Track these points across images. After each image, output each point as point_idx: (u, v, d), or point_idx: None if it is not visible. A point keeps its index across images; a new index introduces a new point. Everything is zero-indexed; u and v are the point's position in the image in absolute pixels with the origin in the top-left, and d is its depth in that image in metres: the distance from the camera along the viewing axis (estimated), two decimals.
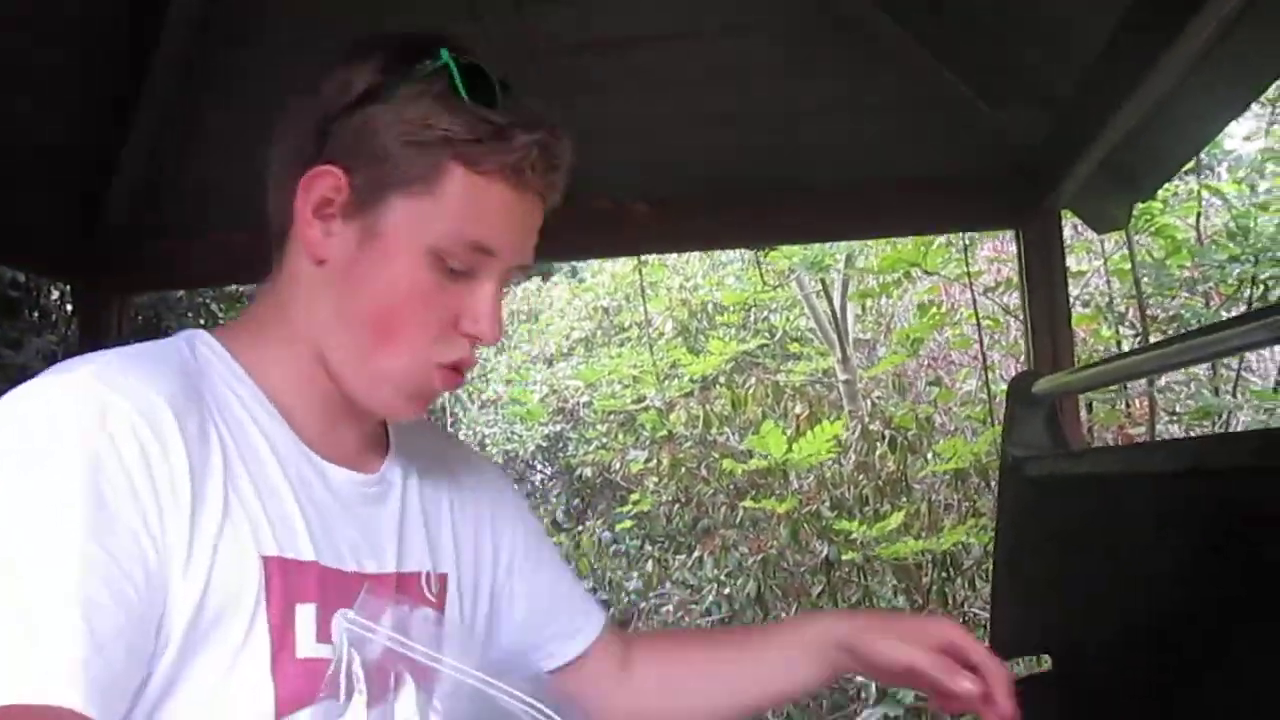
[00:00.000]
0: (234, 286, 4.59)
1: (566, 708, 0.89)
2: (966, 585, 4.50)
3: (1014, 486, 1.51)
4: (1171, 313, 3.94)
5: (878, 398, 5.50)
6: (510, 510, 1.14)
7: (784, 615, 4.75)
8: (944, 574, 4.33)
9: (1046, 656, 1.63)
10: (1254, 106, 4.48)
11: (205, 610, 0.78)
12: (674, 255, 7.63)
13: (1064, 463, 1.34)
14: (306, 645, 0.83)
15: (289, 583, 0.83)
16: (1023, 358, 4.69)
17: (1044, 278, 2.52)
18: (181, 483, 0.78)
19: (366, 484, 0.96)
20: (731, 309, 6.03)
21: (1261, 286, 3.55)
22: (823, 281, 4.96)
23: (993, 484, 4.40)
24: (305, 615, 0.84)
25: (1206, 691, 1.14)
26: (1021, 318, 3.08)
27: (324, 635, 0.84)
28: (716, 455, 4.95)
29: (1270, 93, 4.36)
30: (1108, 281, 4.29)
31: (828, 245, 4.41)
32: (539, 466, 8.39)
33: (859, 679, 4.08)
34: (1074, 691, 1.48)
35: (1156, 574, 1.24)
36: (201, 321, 4.47)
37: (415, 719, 0.83)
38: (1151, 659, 1.29)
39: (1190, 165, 4.05)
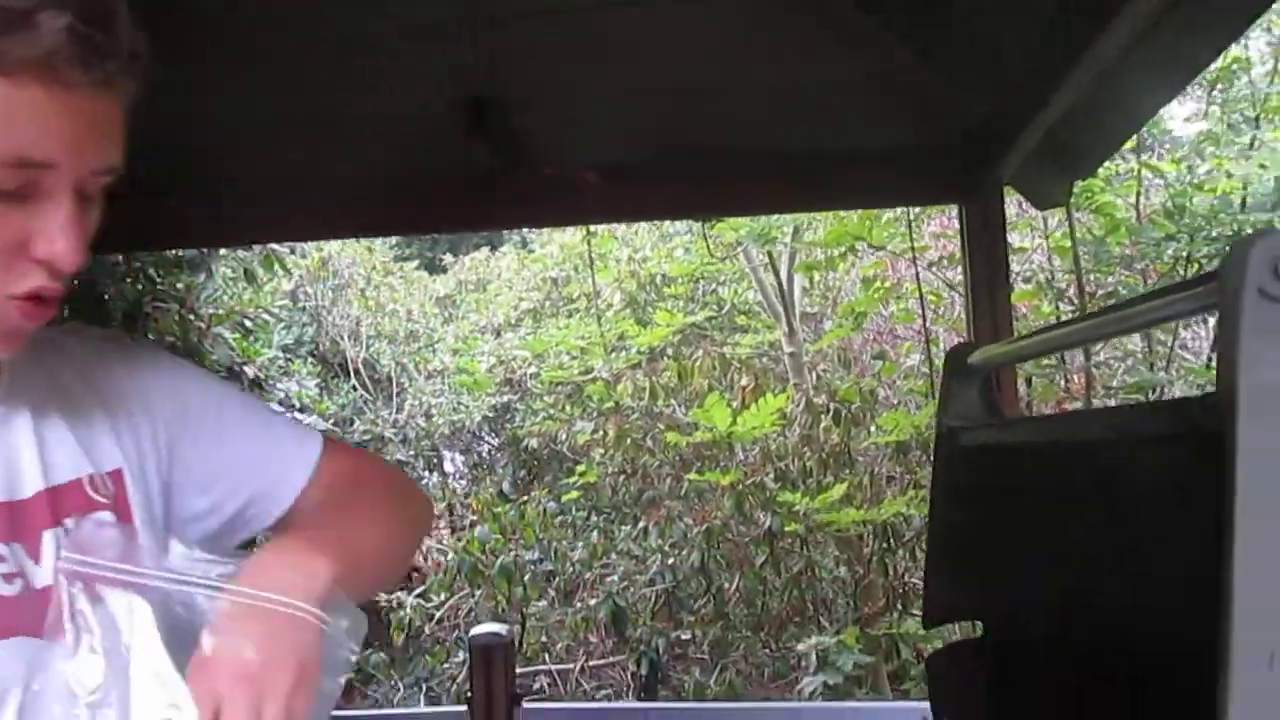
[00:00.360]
0: (174, 251, 4.50)
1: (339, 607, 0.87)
2: (907, 556, 4.58)
3: (948, 455, 1.54)
4: (1109, 289, 4.02)
5: (823, 371, 5.56)
6: (166, 384, 1.05)
7: (728, 585, 4.80)
8: (885, 545, 4.40)
9: (979, 624, 1.67)
10: (1197, 90, 4.57)
11: None
12: (623, 227, 7.62)
13: (996, 432, 1.37)
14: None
15: None
16: (965, 332, 4.76)
17: (985, 252, 2.56)
18: None
19: None
20: (680, 280, 6.04)
21: (1196, 264, 3.63)
22: (770, 254, 4.98)
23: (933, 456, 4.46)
24: None
25: (1136, 656, 1.18)
26: (963, 293, 3.13)
27: None
28: (662, 427, 4.98)
29: (1211, 74, 4.44)
30: (1049, 258, 4.36)
31: (775, 217, 4.43)
32: (486, 437, 8.37)
33: (800, 647, 4.14)
34: (1005, 657, 1.51)
35: (1085, 541, 1.28)
36: (139, 288, 4.39)
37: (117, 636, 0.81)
38: (1081, 625, 1.33)
39: (1131, 145, 4.12)
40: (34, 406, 0.91)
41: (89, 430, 0.95)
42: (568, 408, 6.32)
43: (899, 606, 4.63)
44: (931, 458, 1.64)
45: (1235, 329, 0.78)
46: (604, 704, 4.57)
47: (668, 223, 7.46)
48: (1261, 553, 0.75)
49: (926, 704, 1.55)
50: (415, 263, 10.63)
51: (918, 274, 3.97)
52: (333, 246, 8.11)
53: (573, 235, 7.63)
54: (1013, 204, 3.92)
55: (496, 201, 2.72)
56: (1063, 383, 4.54)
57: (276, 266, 5.18)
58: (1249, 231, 3.62)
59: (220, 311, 4.98)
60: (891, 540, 4.40)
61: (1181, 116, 5.25)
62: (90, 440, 0.95)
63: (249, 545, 1.06)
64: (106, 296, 4.21)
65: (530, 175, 2.65)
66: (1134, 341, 4.65)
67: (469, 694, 2.87)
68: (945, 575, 1.55)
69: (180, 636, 0.82)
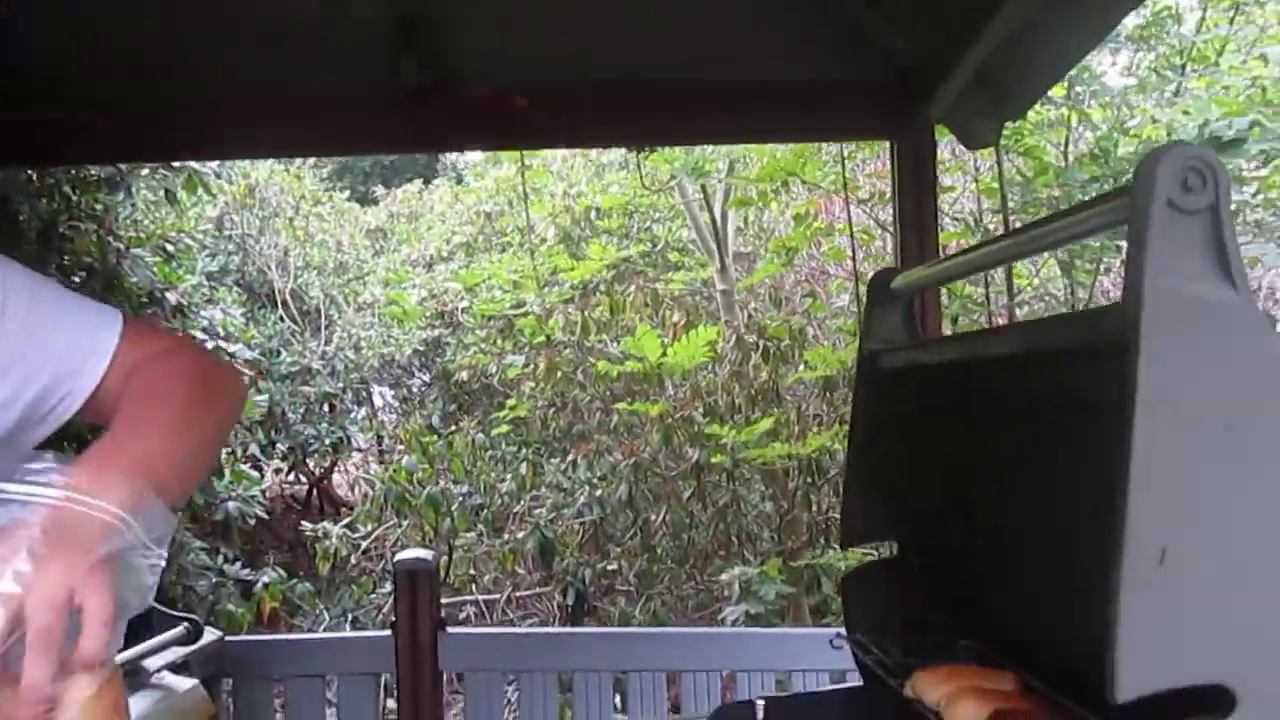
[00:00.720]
0: (91, 170, 4.36)
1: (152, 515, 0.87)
2: (830, 491, 4.66)
3: (869, 378, 1.56)
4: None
5: (754, 309, 5.59)
6: None
7: (654, 517, 4.86)
8: (809, 480, 4.47)
9: (893, 543, 1.71)
10: (1130, 43, 4.63)
11: None
12: (557, 162, 7.54)
13: (915, 353, 1.39)
14: None
15: None
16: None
17: (915, 188, 2.59)
18: None
19: None
20: (613, 213, 6.00)
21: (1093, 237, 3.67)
22: (703, 189, 4.98)
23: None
24: None
25: (1043, 566, 1.22)
26: (893, 231, 3.15)
27: None
28: (593, 361, 4.98)
29: (1142, 25, 4.51)
30: (977, 201, 4.42)
31: (709, 151, 4.42)
32: (416, 371, 8.31)
33: (724, 577, 4.22)
34: (916, 575, 1.55)
35: (996, 454, 1.31)
36: (55, 206, 4.24)
37: None
38: (989, 538, 1.37)
39: (1061, 92, 4.17)
40: None
41: None
42: (499, 341, 6.29)
43: (822, 541, 4.73)
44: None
45: (1143, 239, 0.80)
46: (528, 629, 4.62)
47: (602, 158, 7.41)
48: (1157, 453, 0.78)
49: (835, 630, 1.59)
50: (346, 194, 10.44)
51: (849, 211, 4.00)
52: (260, 173, 7.92)
53: (507, 168, 7.54)
54: (944, 149, 3.96)
55: (424, 123, 2.67)
56: (988, 323, 4.62)
57: (200, 190, 5.04)
58: None
59: (140, 234, 4.84)
60: (815, 475, 4.47)
61: (1112, 67, 5.32)
62: None
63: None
64: (21, 216, 4.06)
65: (460, 97, 2.61)
66: (1057, 288, 4.74)
67: (394, 619, 2.88)
68: (863, 497, 1.58)
69: None
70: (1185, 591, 0.77)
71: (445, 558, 5.20)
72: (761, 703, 1.59)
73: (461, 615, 5.26)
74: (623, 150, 6.33)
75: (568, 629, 4.23)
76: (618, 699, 3.16)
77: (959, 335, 1.86)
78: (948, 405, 1.35)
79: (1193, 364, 0.79)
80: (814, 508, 4.73)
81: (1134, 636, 0.77)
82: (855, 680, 1.61)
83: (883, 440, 1.54)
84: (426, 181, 10.91)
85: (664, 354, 4.26)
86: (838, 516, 4.84)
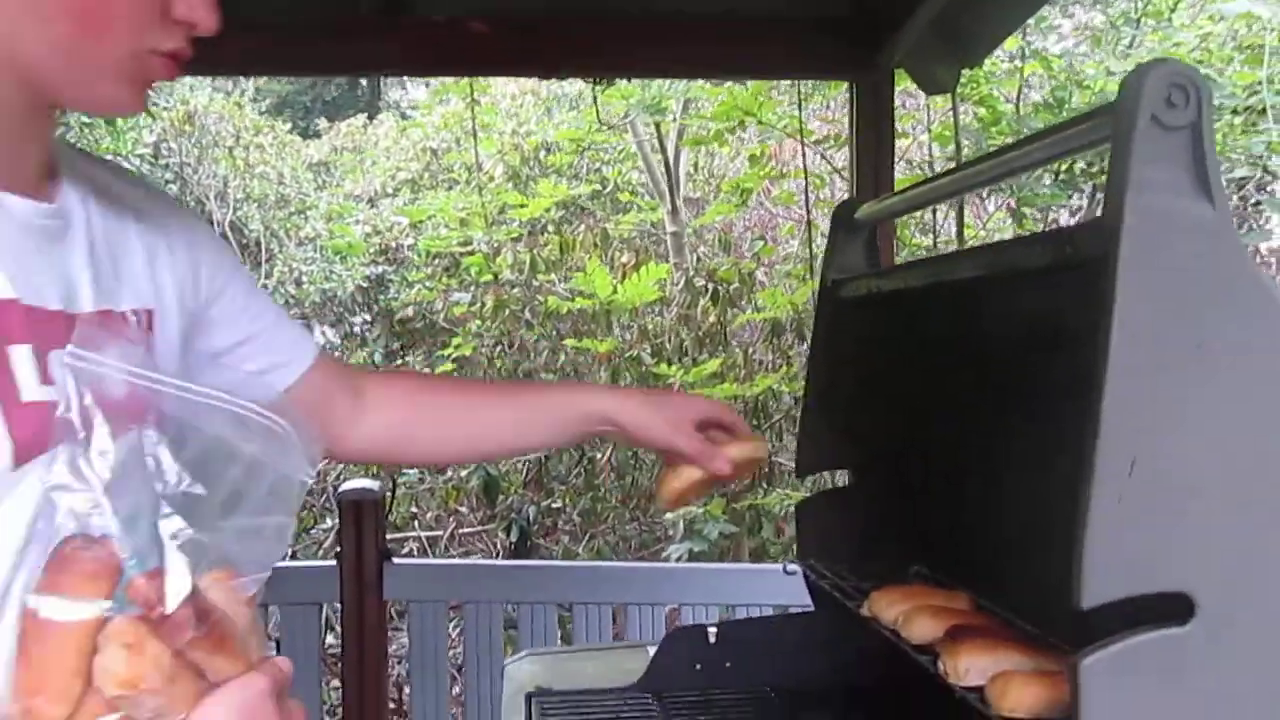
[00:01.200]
0: None
1: (298, 420, 0.88)
2: (775, 434, 4.71)
3: (829, 308, 1.57)
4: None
5: (703, 253, 5.59)
6: (201, 241, 1.08)
7: (599, 456, 4.87)
8: (755, 422, 4.51)
9: (845, 472, 1.73)
10: None
11: None
12: (506, 100, 7.42)
13: (878, 280, 1.40)
14: (31, 389, 0.79)
15: None
16: None
17: (872, 129, 2.60)
18: None
19: (48, 215, 0.88)
20: (564, 147, 5.92)
21: (1071, 158, 3.74)
22: (657, 127, 4.94)
23: (807, 335, 4.57)
24: (21, 357, 0.80)
25: (1000, 491, 1.24)
26: (847, 176, 3.16)
27: (47, 378, 0.80)
28: (542, 299, 4.95)
29: None
30: (930, 148, 4.44)
31: (666, 88, 4.37)
32: (358, 309, 8.19)
33: (669, 516, 4.25)
34: (871, 503, 1.57)
35: (958, 379, 1.32)
36: None
37: (158, 448, 0.79)
38: (944, 466, 1.39)
39: (1016, 44, 4.19)
40: (85, 225, 0.92)
41: (128, 259, 0.96)
42: (444, 279, 6.22)
43: (764, 484, 4.77)
44: (805, 337, 1.67)
45: (1126, 154, 0.80)
46: (475, 560, 4.63)
47: (553, 94, 7.31)
48: (1130, 368, 0.79)
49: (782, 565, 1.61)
50: (287, 128, 10.19)
51: (804, 153, 3.99)
52: (200, 100, 7.69)
53: (455, 104, 7.40)
54: (900, 98, 3.96)
55: (382, 48, 2.62)
56: None
57: None
58: None
59: None
60: (761, 418, 4.51)
61: (1069, 19, 5.36)
62: (127, 270, 0.96)
63: None
64: None
65: (419, 21, 2.56)
66: (1006, 236, 4.79)
67: (339, 549, 2.86)
68: (820, 426, 1.59)
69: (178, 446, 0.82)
70: (1152, 502, 0.79)
71: (388, 494, 5.17)
72: (714, 629, 1.60)
73: (404, 551, 5.25)
74: (576, 87, 6.26)
75: (514, 561, 4.25)
76: (559, 636, 3.18)
77: (925, 259, 1.87)
78: (910, 331, 1.36)
79: (1169, 280, 0.80)
80: None
81: (1101, 545, 0.79)
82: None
83: (841, 369, 1.55)
84: (370, 117, 10.68)
85: (614, 291, 4.25)
86: (780, 461, 4.90)
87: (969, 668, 0.99)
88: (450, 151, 7.66)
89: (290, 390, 1.16)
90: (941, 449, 1.35)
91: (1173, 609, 0.81)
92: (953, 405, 1.32)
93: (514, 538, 4.53)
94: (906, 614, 1.14)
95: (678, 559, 3.99)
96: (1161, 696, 0.80)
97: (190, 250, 1.05)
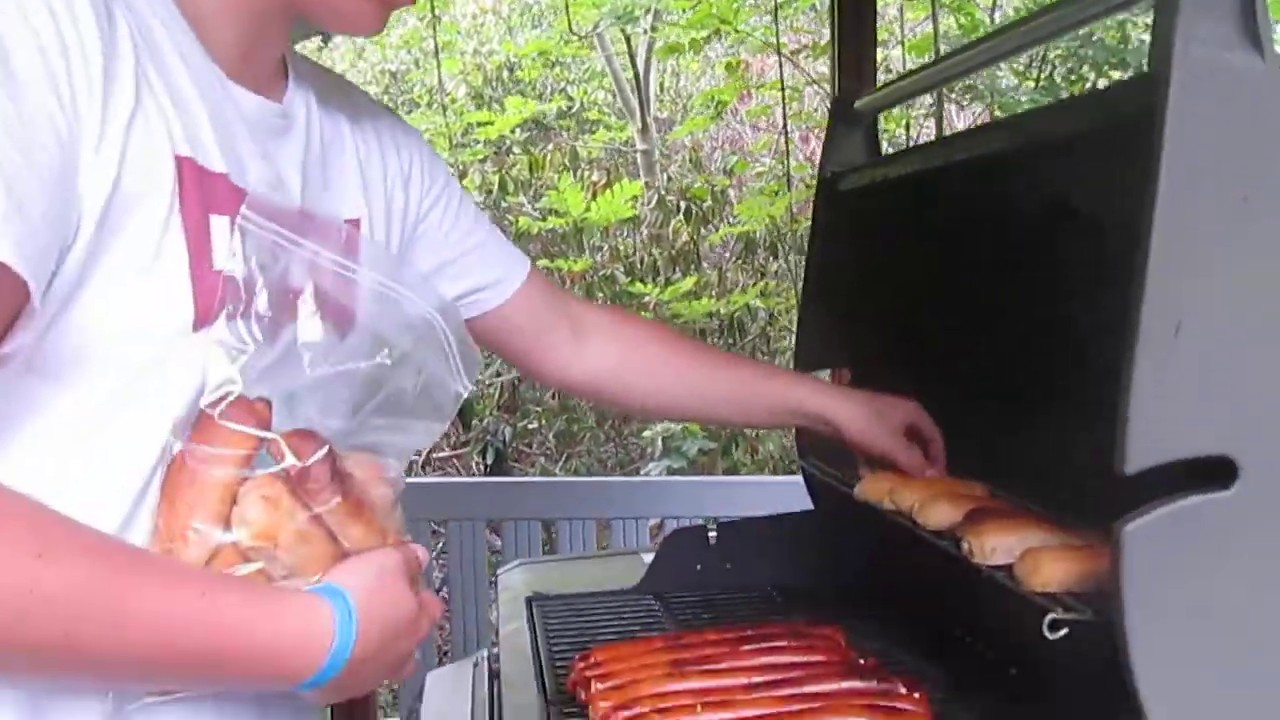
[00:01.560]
0: None
1: (463, 335, 0.91)
2: (751, 352, 4.70)
3: (828, 202, 1.54)
4: (967, 83, 4.06)
5: (674, 173, 5.51)
6: (417, 155, 1.10)
7: None
8: (731, 340, 4.49)
9: (846, 371, 1.71)
10: None
11: (118, 196, 0.72)
12: (467, 19, 7.23)
13: (882, 169, 1.36)
14: (224, 257, 0.80)
15: (203, 189, 0.79)
16: (818, 130, 4.77)
17: (855, 11, 2.52)
18: (93, 51, 0.71)
19: (274, 113, 0.90)
20: (531, 61, 5.78)
21: (1050, 65, 3.70)
22: (628, 40, 4.82)
23: (782, 250, 4.54)
24: (220, 228, 0.80)
25: (1015, 377, 1.22)
26: (823, 87, 3.08)
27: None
28: (512, 219, 4.87)
29: None
30: (904, 61, 4.38)
31: None
32: None
33: (646, 434, 4.25)
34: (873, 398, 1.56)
35: (964, 268, 1.30)
36: None
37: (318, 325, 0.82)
38: (955, 357, 1.37)
39: None
40: (305, 130, 0.94)
41: (341, 167, 0.98)
42: None
43: None
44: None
45: (1174, 7, 0.77)
46: (457, 478, 4.62)
47: (515, 13, 7.13)
48: (1177, 226, 0.76)
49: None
50: None
51: (781, 64, 3.92)
52: None
53: (412, 25, 7.20)
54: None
55: None
56: None
57: None
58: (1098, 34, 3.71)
59: None
60: (738, 335, 4.49)
61: None
62: (341, 177, 0.98)
63: None
64: None
65: None
66: None
67: None
68: (820, 322, 1.57)
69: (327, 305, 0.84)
70: (1197, 363, 0.77)
71: None
72: (714, 533, 1.59)
73: None
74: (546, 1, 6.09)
75: (496, 478, 4.23)
76: (543, 553, 3.18)
77: (933, 142, 1.83)
78: (916, 220, 1.33)
79: (1217, 134, 0.77)
80: None
81: (1146, 409, 0.77)
82: None
83: (841, 263, 1.53)
84: (325, 40, 10.39)
85: (587, 209, 4.18)
86: None
87: (995, 547, 0.98)
88: (410, 74, 7.48)
89: (503, 310, 1.18)
90: (949, 338, 1.33)
91: (1217, 472, 0.79)
92: (963, 292, 1.30)
93: (490, 460, 4.50)
94: (923, 500, 1.13)
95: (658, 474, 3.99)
96: (1204, 561, 0.79)
97: (403, 164, 1.06)
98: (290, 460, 0.77)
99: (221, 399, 0.77)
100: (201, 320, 0.78)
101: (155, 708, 0.78)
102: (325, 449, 0.78)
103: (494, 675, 1.38)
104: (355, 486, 0.81)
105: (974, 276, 1.26)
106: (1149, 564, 0.78)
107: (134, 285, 0.75)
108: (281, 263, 0.82)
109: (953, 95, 4.06)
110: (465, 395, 0.91)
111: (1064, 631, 0.85)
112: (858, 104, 1.50)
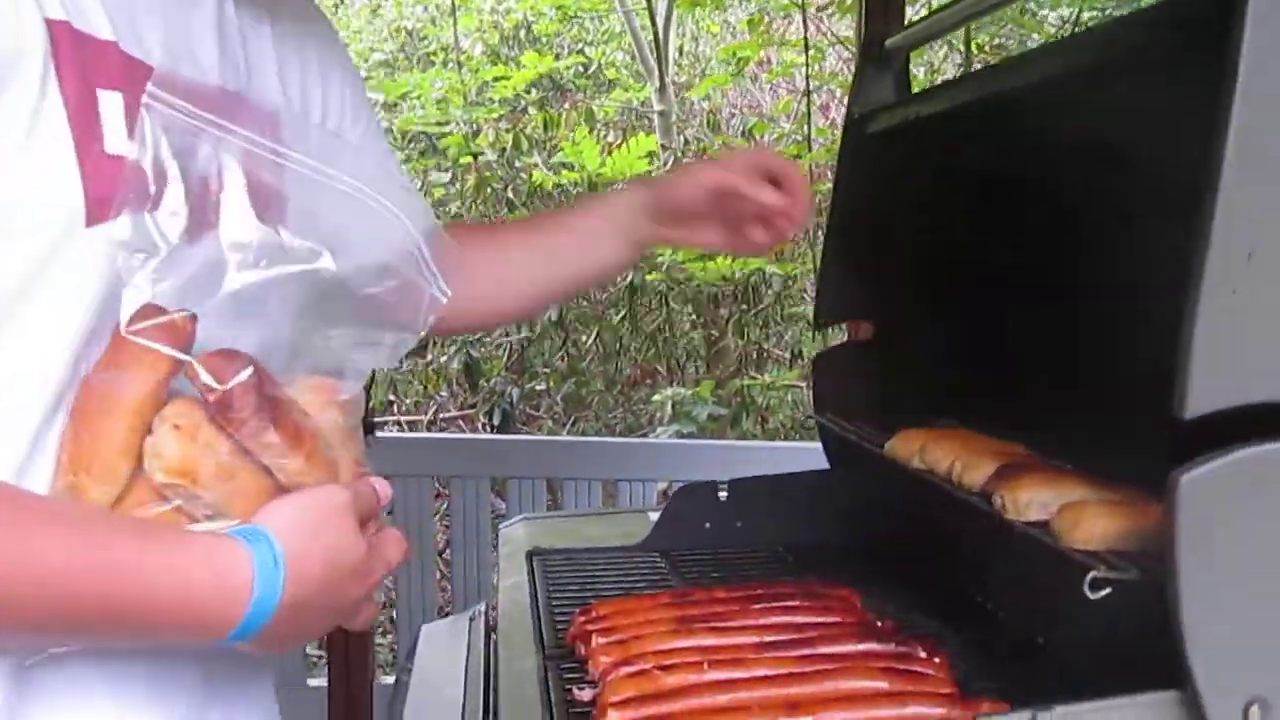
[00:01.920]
0: None
1: (440, 243, 0.81)
2: (761, 320, 4.63)
3: (854, 145, 1.46)
4: (996, 42, 3.97)
5: (692, 134, 5.42)
6: (338, 66, 1.01)
7: (585, 339, 4.78)
8: (743, 307, 4.42)
9: (868, 324, 1.64)
10: None
11: None
12: None
13: (915, 107, 1.28)
14: (116, 140, 0.70)
15: (84, 60, 0.69)
16: (840, 93, 4.67)
17: None
18: None
19: None
20: (550, 15, 5.67)
21: (1084, 26, 3.59)
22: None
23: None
24: (111, 104, 0.70)
25: (1057, 327, 1.14)
26: (848, 47, 2.99)
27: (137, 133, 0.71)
28: (525, 177, 4.79)
29: None
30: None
31: None
32: None
33: (656, 398, 4.18)
34: (892, 355, 1.49)
35: (1000, 211, 1.22)
36: None
37: (242, 212, 0.71)
38: (988, 309, 1.29)
39: None
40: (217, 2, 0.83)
41: (260, 55, 0.87)
42: (421, 159, 6.02)
43: (750, 372, 4.70)
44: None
45: None
46: (459, 434, 4.57)
47: None
48: (1251, 148, 0.69)
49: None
50: None
51: (804, 20, 3.81)
52: None
53: None
54: None
55: None
56: None
57: None
58: None
59: None
60: (749, 302, 4.41)
61: None
62: (258, 65, 0.87)
63: None
64: None
65: None
66: None
67: None
68: (840, 273, 1.50)
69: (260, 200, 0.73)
70: (1272, 296, 0.70)
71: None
72: (724, 491, 1.53)
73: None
74: None
75: (501, 436, 4.18)
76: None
77: (968, 75, 1.74)
78: (950, 163, 1.25)
79: None
80: (744, 336, 4.68)
81: (1212, 347, 0.70)
82: None
83: (866, 212, 1.45)
84: None
85: (602, 165, 4.10)
86: (766, 347, 4.83)
87: (1030, 501, 0.92)
88: (426, 29, 7.40)
89: None
90: (982, 290, 1.25)
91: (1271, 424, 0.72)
92: (998, 238, 1.22)
93: (497, 421, 4.44)
94: (965, 459, 1.06)
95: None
96: (1262, 514, 0.72)
97: (323, 75, 0.97)
98: (207, 382, 0.67)
99: (139, 313, 0.67)
100: (97, 213, 0.68)
101: (65, 658, 0.70)
102: (249, 370, 0.68)
103: (490, 629, 1.32)
104: (293, 412, 0.71)
105: (1011, 221, 1.18)
106: (1204, 516, 0.71)
107: (9, 165, 0.65)
108: (202, 151, 0.71)
109: (982, 55, 3.96)
110: (444, 302, 0.79)
111: (1106, 591, 0.78)
112: (888, 42, 1.42)
